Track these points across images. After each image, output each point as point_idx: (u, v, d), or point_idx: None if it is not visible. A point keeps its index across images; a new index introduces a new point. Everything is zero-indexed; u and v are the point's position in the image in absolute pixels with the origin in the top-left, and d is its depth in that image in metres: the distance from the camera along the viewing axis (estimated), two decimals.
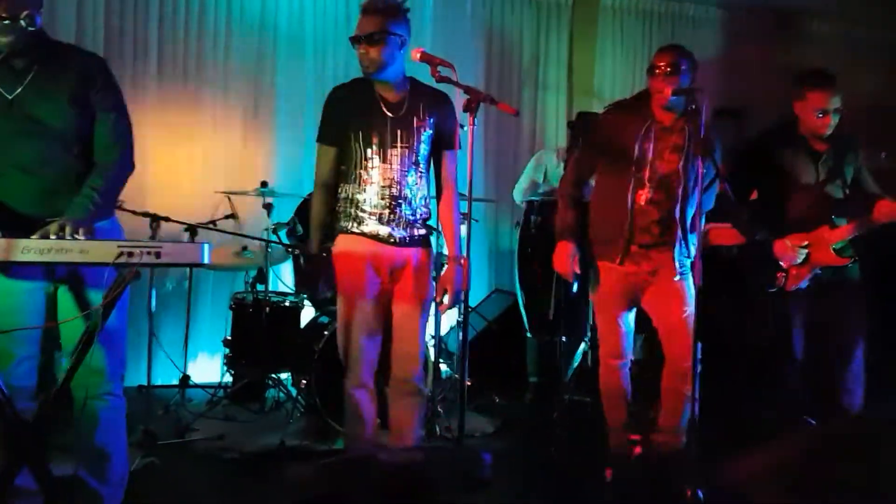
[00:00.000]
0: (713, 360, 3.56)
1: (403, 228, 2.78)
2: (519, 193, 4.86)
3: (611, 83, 5.99)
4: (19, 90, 2.28)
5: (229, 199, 4.56)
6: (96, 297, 2.30)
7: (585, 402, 4.09)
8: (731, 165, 3.50)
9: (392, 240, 2.77)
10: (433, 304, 3.02)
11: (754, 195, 3.48)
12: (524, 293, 4.48)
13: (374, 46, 2.68)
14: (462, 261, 2.82)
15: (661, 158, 3.09)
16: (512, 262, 4.66)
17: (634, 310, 3.24)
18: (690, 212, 3.08)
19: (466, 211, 2.74)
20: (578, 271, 3.15)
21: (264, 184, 4.47)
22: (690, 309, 3.11)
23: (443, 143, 2.85)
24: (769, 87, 6.23)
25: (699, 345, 3.09)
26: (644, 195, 3.09)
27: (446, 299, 2.84)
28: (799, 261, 3.28)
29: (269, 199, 4.41)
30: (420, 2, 5.45)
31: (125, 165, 2.44)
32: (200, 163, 5.08)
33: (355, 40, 2.74)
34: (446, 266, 2.90)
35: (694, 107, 2.94)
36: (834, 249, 3.25)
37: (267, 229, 4.32)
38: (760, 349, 3.68)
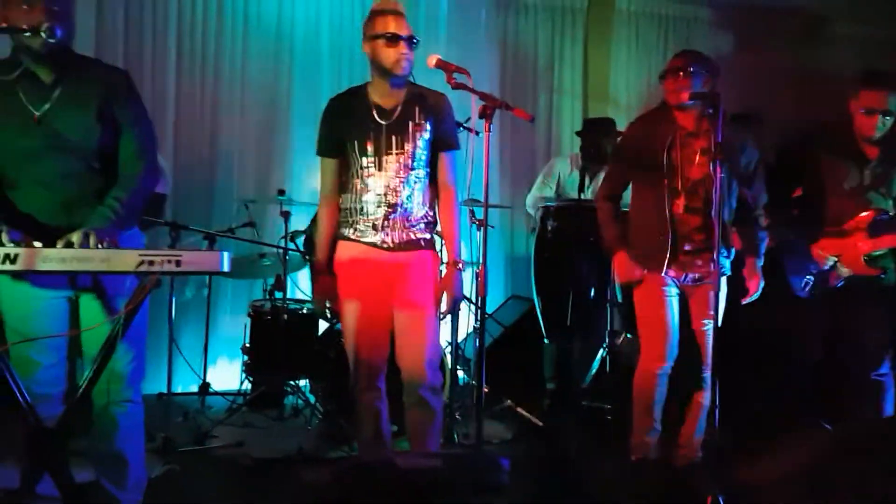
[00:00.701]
0: (737, 362, 3.55)
1: (399, 233, 2.76)
2: (530, 205, 4.86)
3: (626, 87, 5.97)
4: (46, 107, 2.30)
5: (247, 207, 4.60)
6: (118, 305, 2.32)
7: (604, 408, 4.07)
8: (773, 163, 3.49)
9: (386, 245, 2.75)
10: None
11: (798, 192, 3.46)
12: (541, 299, 4.47)
13: (411, 48, 2.69)
14: (460, 265, 2.81)
15: (692, 164, 3.10)
16: (528, 268, 4.65)
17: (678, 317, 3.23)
18: (727, 213, 3.11)
19: (482, 217, 2.74)
20: (639, 275, 3.18)
21: (281, 192, 4.50)
22: (715, 317, 3.13)
23: (441, 144, 2.80)
24: (787, 90, 6.23)
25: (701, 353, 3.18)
26: (681, 204, 3.11)
27: (444, 304, 2.81)
28: (827, 267, 3.26)
29: (286, 207, 4.44)
30: (434, 8, 5.48)
31: (148, 178, 2.47)
32: (218, 171, 5.13)
33: (394, 39, 2.66)
34: (445, 271, 2.87)
35: (711, 111, 2.94)
36: (867, 259, 3.21)
37: (284, 237, 4.34)
38: (785, 352, 3.66)
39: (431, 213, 2.85)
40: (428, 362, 2.75)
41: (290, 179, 5.22)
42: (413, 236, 2.78)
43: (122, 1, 4.87)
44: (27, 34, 2.20)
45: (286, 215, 4.40)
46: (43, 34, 2.18)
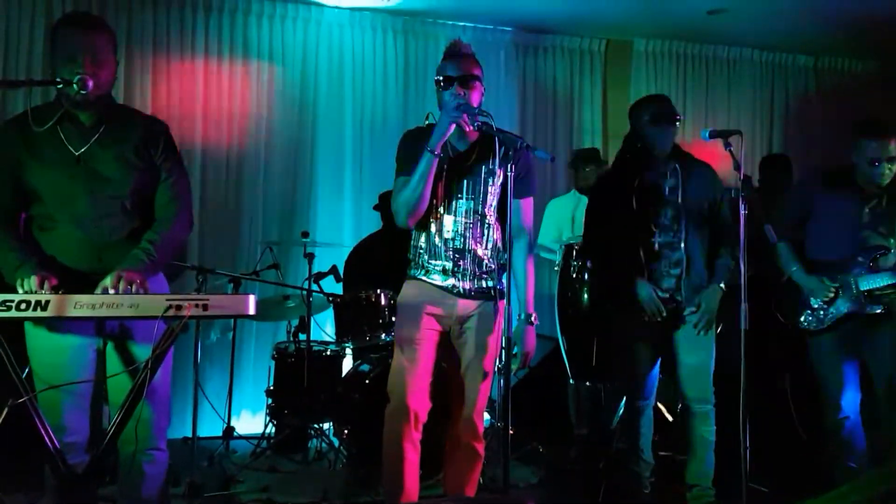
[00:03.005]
0: (773, 394, 3.49)
1: (471, 280, 2.69)
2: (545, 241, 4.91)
3: None
4: (86, 147, 2.36)
5: (271, 249, 4.64)
6: (144, 352, 2.32)
7: None
8: (785, 201, 3.53)
9: (456, 291, 2.68)
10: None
11: None
12: (566, 339, 4.43)
13: (475, 90, 2.64)
14: (534, 318, 2.73)
15: (665, 202, 3.16)
16: (552, 307, 4.63)
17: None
18: (695, 242, 3.15)
19: (507, 256, 2.73)
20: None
21: (305, 234, 4.54)
22: (706, 349, 3.18)
23: (517, 190, 2.63)
24: (804, 130, 6.26)
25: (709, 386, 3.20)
26: (656, 242, 3.15)
27: (517, 360, 2.71)
28: (825, 300, 3.26)
29: (309, 250, 4.47)
30: None
31: (183, 225, 2.52)
32: (243, 215, 5.20)
33: (446, 82, 2.62)
34: (517, 324, 2.71)
35: (732, 148, 2.95)
36: (865, 294, 3.21)
37: (308, 279, 4.36)
38: (800, 388, 3.61)
39: (502, 261, 2.74)
40: (481, 411, 2.75)
41: (313, 222, 5.27)
42: (484, 284, 2.72)
43: (150, 52, 5.00)
44: (60, 86, 2.27)
45: (310, 257, 4.43)
46: (75, 86, 2.24)
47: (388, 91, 5.50)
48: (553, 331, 4.53)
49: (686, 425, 3.28)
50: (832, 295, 3.24)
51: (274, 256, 4.61)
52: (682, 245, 3.15)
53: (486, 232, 2.72)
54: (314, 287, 4.34)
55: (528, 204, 2.79)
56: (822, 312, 3.27)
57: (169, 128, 2.57)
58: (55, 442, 2.22)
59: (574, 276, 4.36)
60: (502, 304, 2.73)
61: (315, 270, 4.43)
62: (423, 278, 2.72)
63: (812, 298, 3.29)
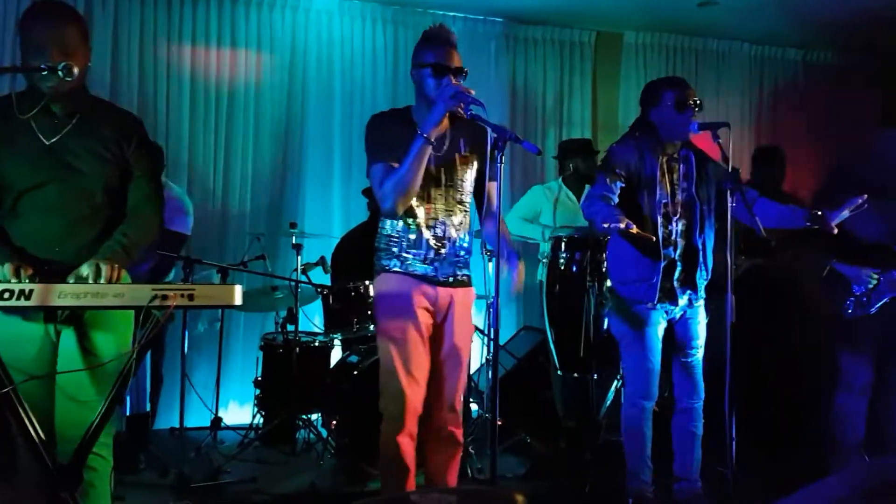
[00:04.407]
0: (763, 388, 3.48)
1: (447, 268, 2.70)
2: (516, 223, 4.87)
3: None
4: (58, 138, 2.32)
5: (259, 240, 4.62)
6: (101, 339, 2.29)
7: (619, 441, 4.02)
8: (818, 187, 3.60)
9: (436, 279, 2.67)
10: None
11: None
12: (554, 330, 4.44)
13: (459, 80, 2.62)
14: (518, 263, 2.71)
15: (678, 189, 3.11)
16: (540, 299, 4.64)
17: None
18: (709, 234, 3.12)
19: (493, 248, 2.73)
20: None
21: (293, 225, 4.52)
22: (702, 344, 3.16)
23: (486, 175, 2.72)
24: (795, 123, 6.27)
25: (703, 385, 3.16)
26: (673, 229, 3.09)
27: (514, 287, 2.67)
28: (870, 286, 3.30)
29: (297, 240, 4.45)
30: None
31: (155, 226, 2.48)
32: (231, 205, 5.17)
33: (440, 71, 2.59)
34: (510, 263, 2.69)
35: (720, 140, 2.95)
36: None
37: (296, 269, 4.35)
38: (818, 377, 3.63)
39: (471, 250, 2.77)
40: (460, 400, 2.75)
41: (301, 212, 5.25)
42: (459, 272, 2.73)
43: (137, 40, 4.95)
44: (44, 73, 2.23)
45: (298, 248, 4.41)
46: (60, 73, 2.21)
47: (377, 81, 5.47)
48: (541, 322, 4.54)
49: (672, 418, 3.27)
50: (875, 282, 3.28)
51: (262, 247, 4.59)
52: (696, 234, 3.10)
53: (462, 219, 2.73)
54: (302, 278, 4.32)
55: (497, 187, 2.73)
56: (865, 298, 3.32)
57: (144, 125, 2.52)
58: (41, 434, 2.18)
59: (562, 268, 4.37)
60: (471, 291, 2.79)
61: (303, 261, 4.42)
62: (403, 270, 2.68)
63: (855, 286, 3.33)
